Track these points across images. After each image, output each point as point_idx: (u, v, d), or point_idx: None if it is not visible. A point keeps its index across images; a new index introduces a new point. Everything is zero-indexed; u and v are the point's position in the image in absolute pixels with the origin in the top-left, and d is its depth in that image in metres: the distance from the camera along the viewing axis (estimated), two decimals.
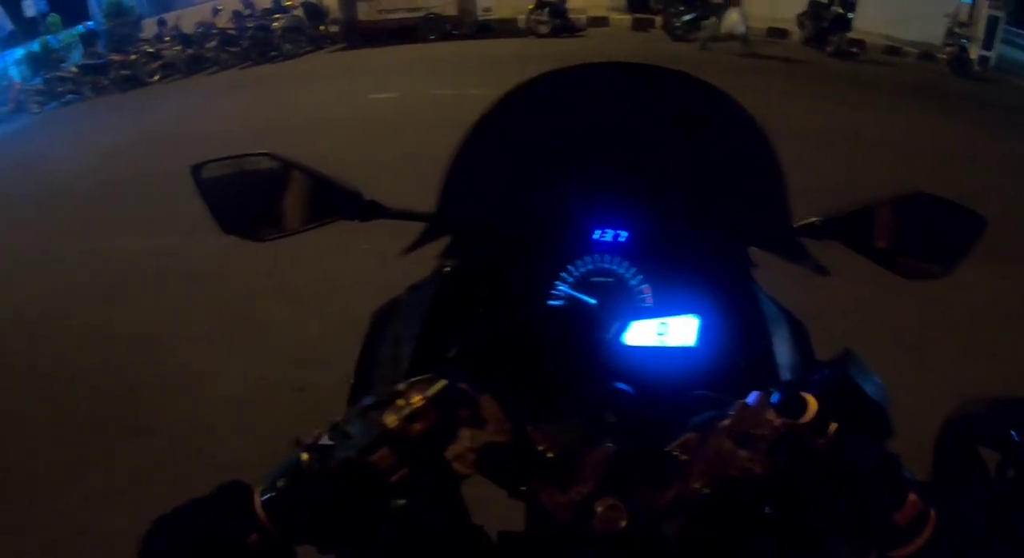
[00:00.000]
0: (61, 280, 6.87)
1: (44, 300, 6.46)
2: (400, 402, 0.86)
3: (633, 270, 1.20)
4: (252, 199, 1.28)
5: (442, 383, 0.87)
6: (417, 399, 0.86)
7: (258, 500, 0.85)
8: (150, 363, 5.12)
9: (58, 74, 18.39)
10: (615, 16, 19.23)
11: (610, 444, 0.89)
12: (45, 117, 17.01)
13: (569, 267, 1.21)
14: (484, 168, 1.18)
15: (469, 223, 1.23)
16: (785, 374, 1.17)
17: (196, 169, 1.24)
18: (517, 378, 1.06)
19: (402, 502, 0.93)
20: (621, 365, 1.10)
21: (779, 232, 1.17)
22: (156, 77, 18.41)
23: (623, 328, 1.15)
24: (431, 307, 1.24)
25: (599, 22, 18.87)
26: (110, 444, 4.25)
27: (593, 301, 1.19)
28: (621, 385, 0.97)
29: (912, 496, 0.82)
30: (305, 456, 0.86)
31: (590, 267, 1.21)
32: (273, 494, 0.85)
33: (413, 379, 0.89)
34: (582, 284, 1.21)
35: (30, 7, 20.32)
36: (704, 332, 1.20)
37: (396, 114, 11.62)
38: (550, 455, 0.88)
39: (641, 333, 1.19)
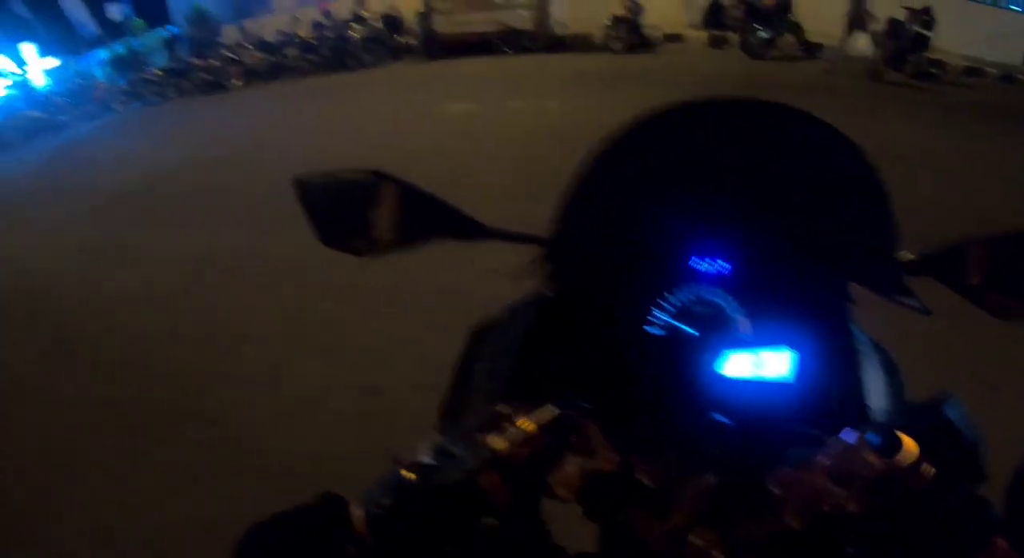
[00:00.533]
0: (136, 274, 7.06)
1: (121, 293, 6.64)
2: (508, 426, 0.87)
3: (733, 302, 1.20)
4: (353, 213, 1.30)
5: (555, 410, 0.87)
6: (529, 425, 0.86)
7: (359, 514, 0.86)
8: (222, 358, 5.22)
9: (142, 76, 19.02)
10: (691, 33, 19.10)
11: (711, 476, 0.90)
12: (128, 116, 17.55)
13: (669, 296, 1.21)
14: (597, 197, 1.19)
15: (579, 248, 1.24)
16: (880, 413, 1.15)
17: (298, 181, 1.26)
18: (615, 406, 1.07)
19: (493, 520, 0.95)
20: (718, 396, 1.10)
21: (885, 269, 1.16)
22: (237, 82, 18.89)
23: (721, 359, 1.15)
24: (530, 329, 1.25)
25: (674, 39, 18.80)
26: (175, 434, 4.33)
27: (694, 331, 1.19)
28: (719, 417, 0.97)
29: (1001, 542, 0.81)
30: (409, 474, 0.87)
31: (690, 296, 1.21)
32: (376, 510, 0.86)
33: (519, 402, 0.90)
34: (682, 313, 1.21)
35: (115, 12, 21.02)
36: (800, 366, 1.19)
37: (473, 126, 11.69)
38: (650, 485, 0.88)
39: (737, 365, 1.19)
